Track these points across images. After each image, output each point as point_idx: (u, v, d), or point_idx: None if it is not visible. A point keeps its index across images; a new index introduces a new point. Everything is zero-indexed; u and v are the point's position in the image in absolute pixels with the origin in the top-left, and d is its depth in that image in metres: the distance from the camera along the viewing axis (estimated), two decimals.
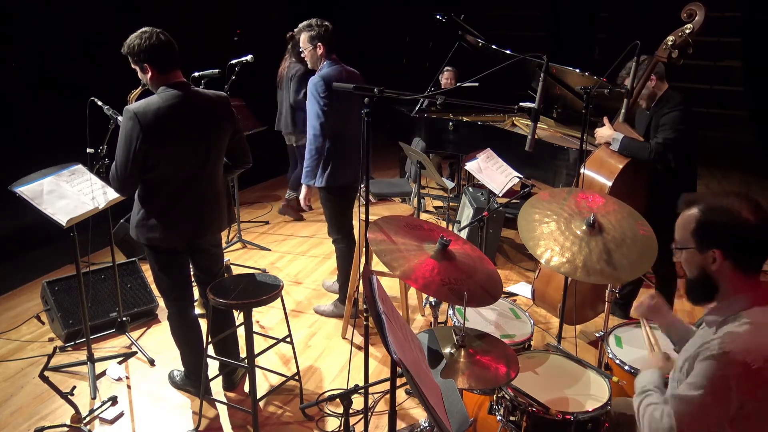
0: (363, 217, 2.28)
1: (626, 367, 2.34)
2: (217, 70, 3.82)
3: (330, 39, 3.42)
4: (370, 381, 2.65)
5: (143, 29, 2.50)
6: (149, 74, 2.52)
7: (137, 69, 2.56)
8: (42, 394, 3.02)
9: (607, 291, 2.70)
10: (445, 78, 5.98)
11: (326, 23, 3.42)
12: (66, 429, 2.52)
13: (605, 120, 3.40)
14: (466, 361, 1.97)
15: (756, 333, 1.54)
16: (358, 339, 3.53)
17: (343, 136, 3.47)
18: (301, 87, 4.92)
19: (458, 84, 5.62)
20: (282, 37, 5.02)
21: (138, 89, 2.82)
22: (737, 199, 1.61)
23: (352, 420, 2.77)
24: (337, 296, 3.95)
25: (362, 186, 2.25)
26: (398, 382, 2.75)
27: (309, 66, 3.53)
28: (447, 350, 2.02)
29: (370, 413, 2.85)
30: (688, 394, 1.55)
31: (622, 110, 3.30)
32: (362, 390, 2.49)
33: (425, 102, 5.79)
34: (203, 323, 3.00)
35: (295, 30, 3.48)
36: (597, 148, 3.44)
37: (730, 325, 1.57)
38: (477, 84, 2.69)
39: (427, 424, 2.31)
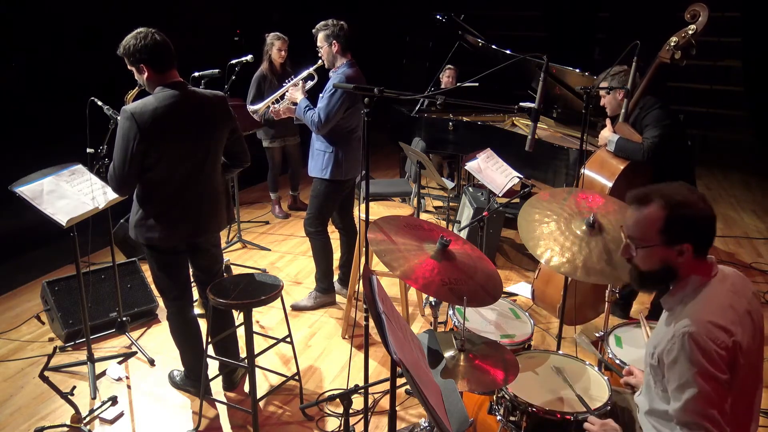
0: (363, 217, 2.29)
1: (626, 367, 2.33)
2: (217, 70, 3.83)
3: (345, 37, 3.47)
4: (370, 381, 2.65)
5: (138, 30, 2.50)
6: (145, 74, 2.52)
7: (133, 70, 2.55)
8: (42, 394, 3.02)
9: (607, 291, 2.70)
10: (446, 77, 5.98)
11: (342, 23, 3.48)
12: (66, 429, 2.52)
13: (607, 122, 3.40)
14: (466, 365, 1.97)
15: (713, 307, 1.57)
16: (358, 339, 3.54)
17: (356, 133, 3.59)
18: (251, 89, 5.00)
19: (458, 84, 5.62)
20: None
21: (135, 90, 2.82)
22: (686, 190, 1.64)
23: (352, 420, 2.76)
24: (341, 293, 4.00)
25: (363, 185, 2.25)
26: (398, 382, 2.75)
27: (326, 65, 3.57)
28: (447, 354, 2.02)
29: (370, 413, 2.85)
30: (688, 398, 1.52)
31: (622, 111, 3.30)
32: (362, 390, 2.49)
33: (425, 102, 5.79)
34: (203, 323, 3.00)
35: (314, 30, 3.52)
36: (598, 149, 3.44)
37: (690, 305, 1.60)
38: (477, 84, 2.70)
39: (427, 424, 2.31)
